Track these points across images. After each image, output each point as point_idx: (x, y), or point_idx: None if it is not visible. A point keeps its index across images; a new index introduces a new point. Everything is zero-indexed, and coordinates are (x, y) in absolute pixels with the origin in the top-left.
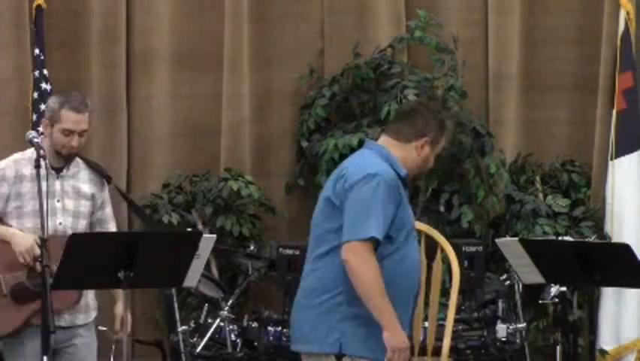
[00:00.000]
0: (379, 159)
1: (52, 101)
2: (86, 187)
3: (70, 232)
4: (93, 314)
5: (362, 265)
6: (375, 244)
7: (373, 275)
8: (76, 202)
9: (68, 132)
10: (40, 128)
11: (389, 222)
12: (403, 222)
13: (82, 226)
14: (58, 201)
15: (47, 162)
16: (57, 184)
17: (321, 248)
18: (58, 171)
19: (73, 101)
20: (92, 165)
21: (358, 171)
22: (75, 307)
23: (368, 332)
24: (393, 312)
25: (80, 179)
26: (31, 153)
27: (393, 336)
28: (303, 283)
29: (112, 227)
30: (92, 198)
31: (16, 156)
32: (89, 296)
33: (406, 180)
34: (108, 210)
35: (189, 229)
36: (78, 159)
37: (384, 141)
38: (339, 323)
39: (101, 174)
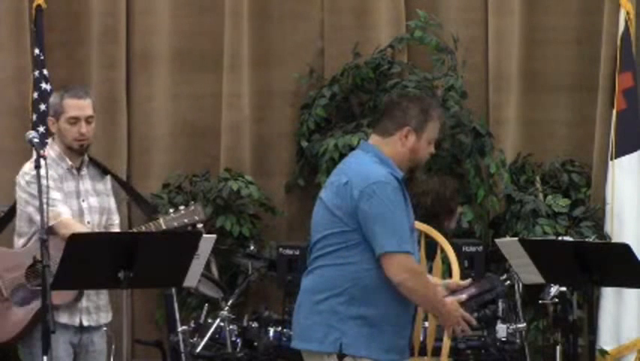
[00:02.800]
0: (377, 164)
1: (53, 97)
2: (100, 183)
3: (97, 229)
4: (110, 315)
5: (414, 280)
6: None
7: (426, 284)
8: (100, 199)
9: (74, 120)
10: (41, 129)
11: (407, 227)
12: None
13: (104, 221)
14: (83, 200)
15: (71, 163)
16: (81, 184)
17: (323, 250)
18: (79, 170)
19: (72, 90)
20: (93, 161)
21: (362, 180)
22: (99, 306)
23: (371, 333)
24: (442, 297)
25: (94, 176)
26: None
27: (450, 316)
28: (304, 282)
29: (115, 218)
30: (107, 192)
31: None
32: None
33: (404, 181)
34: (112, 201)
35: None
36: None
37: (374, 140)
38: (339, 322)
39: (99, 166)
